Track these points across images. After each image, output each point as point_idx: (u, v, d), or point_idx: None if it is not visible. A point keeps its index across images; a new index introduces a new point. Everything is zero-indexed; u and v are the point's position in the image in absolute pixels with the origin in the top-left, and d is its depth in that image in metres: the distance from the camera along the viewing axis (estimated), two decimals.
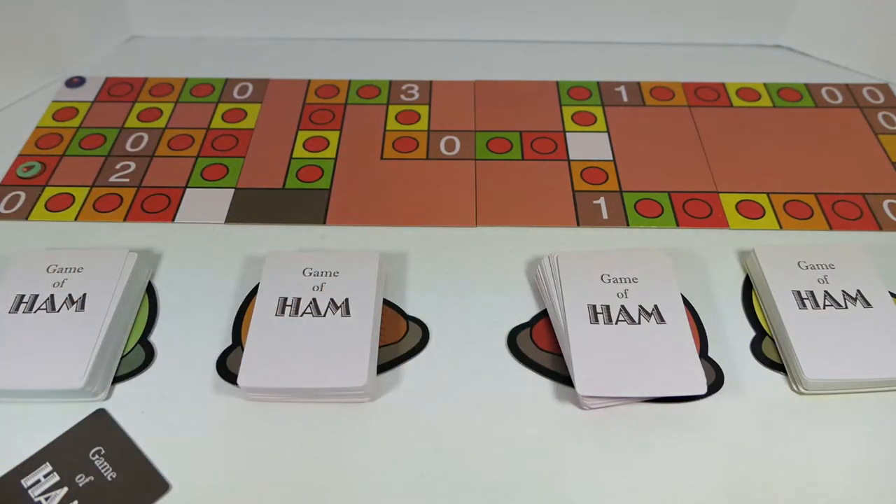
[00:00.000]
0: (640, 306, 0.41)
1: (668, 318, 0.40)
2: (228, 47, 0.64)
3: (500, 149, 0.54)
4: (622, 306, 0.40)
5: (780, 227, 0.48)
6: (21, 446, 0.37)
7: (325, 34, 0.65)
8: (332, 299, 0.41)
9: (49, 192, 0.51)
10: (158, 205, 0.50)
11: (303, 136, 0.55)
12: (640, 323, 0.40)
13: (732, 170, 0.52)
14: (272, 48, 0.64)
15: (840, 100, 0.58)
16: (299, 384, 0.38)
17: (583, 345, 0.39)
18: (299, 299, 0.41)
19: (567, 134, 0.55)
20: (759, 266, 0.43)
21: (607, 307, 0.40)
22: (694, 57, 0.63)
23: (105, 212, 0.49)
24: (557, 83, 0.60)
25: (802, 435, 0.38)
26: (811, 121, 0.56)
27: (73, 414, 0.38)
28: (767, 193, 0.50)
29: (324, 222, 0.49)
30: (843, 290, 0.42)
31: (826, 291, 0.42)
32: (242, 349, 0.40)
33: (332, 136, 0.55)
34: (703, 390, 0.37)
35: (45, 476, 0.36)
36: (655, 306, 0.41)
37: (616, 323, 0.40)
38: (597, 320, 0.40)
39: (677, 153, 0.54)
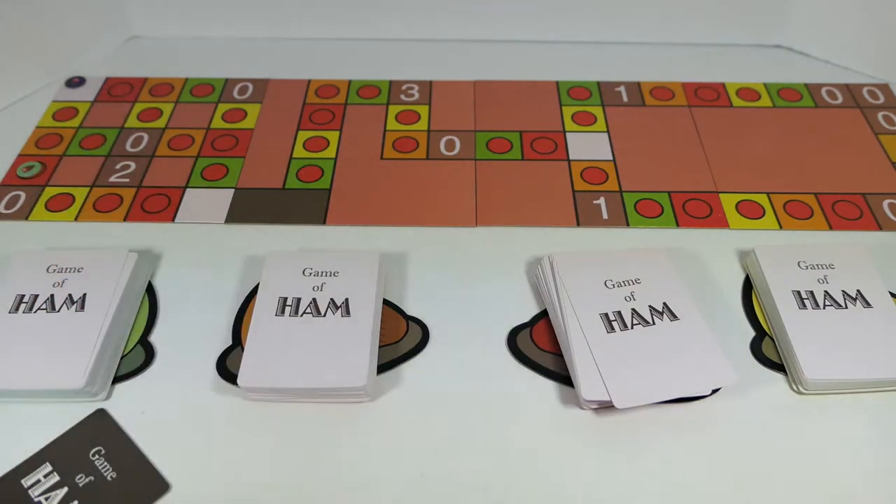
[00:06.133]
0: (651, 306, 0.41)
1: (680, 313, 0.40)
2: (228, 47, 0.64)
3: (500, 149, 0.54)
4: (633, 309, 0.40)
5: (780, 227, 0.48)
6: (21, 446, 0.37)
7: (325, 34, 0.65)
8: (332, 299, 0.41)
9: (49, 192, 0.51)
10: (158, 205, 0.50)
11: (303, 136, 0.55)
12: (654, 323, 0.40)
13: (732, 170, 0.52)
14: (272, 48, 0.64)
15: (840, 100, 0.58)
16: (299, 384, 0.38)
17: (608, 357, 0.38)
18: (299, 299, 0.41)
19: (567, 134, 0.55)
20: (759, 266, 0.43)
21: (619, 313, 0.40)
22: (694, 57, 0.63)
23: (105, 212, 0.49)
24: (557, 83, 0.60)
25: (802, 435, 0.38)
26: (811, 121, 0.56)
27: (73, 414, 0.38)
28: (767, 193, 0.50)
29: (324, 222, 0.49)
30: (843, 290, 0.42)
31: (826, 291, 0.42)
32: (242, 349, 0.40)
33: (332, 136, 0.55)
34: (735, 380, 0.37)
35: (45, 476, 0.36)
36: (665, 304, 0.41)
37: (632, 327, 0.40)
38: (612, 328, 0.40)
39: (677, 153, 0.54)
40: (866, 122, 0.56)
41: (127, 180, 0.51)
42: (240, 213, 0.49)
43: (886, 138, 0.55)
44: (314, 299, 0.41)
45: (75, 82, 0.60)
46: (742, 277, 0.46)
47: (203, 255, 0.47)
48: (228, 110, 0.57)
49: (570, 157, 0.53)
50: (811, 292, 0.42)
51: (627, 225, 0.48)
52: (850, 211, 0.49)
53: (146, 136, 0.55)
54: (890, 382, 0.39)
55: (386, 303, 0.44)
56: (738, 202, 0.50)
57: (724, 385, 0.39)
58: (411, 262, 0.46)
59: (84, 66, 0.62)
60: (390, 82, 0.60)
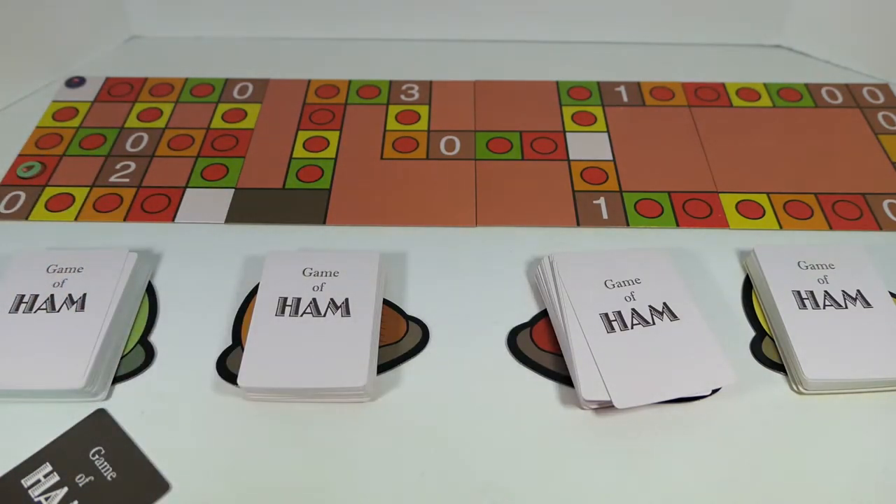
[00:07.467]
0: (651, 306, 0.41)
1: (680, 313, 0.40)
2: (228, 47, 0.64)
3: (500, 149, 0.54)
4: (633, 309, 0.40)
5: (780, 227, 0.48)
6: (21, 446, 0.37)
7: (325, 34, 0.65)
8: (332, 299, 0.41)
9: (49, 192, 0.51)
10: (158, 205, 0.50)
11: (303, 136, 0.55)
12: (654, 323, 0.40)
13: (732, 170, 0.52)
14: (272, 48, 0.64)
15: (840, 100, 0.58)
16: (299, 384, 0.38)
17: (608, 357, 0.38)
18: (299, 299, 0.41)
19: (567, 134, 0.55)
20: (759, 266, 0.43)
21: (619, 313, 0.40)
22: (694, 57, 0.63)
23: (105, 212, 0.49)
24: (557, 83, 0.60)
25: (802, 435, 0.38)
26: (811, 121, 0.56)
27: (73, 414, 0.38)
28: (767, 193, 0.50)
29: (324, 222, 0.49)
30: (843, 290, 0.42)
31: (826, 291, 0.42)
32: (242, 349, 0.40)
33: (332, 136, 0.55)
34: (734, 380, 0.37)
35: (45, 476, 0.36)
36: (665, 304, 0.41)
37: (632, 327, 0.40)
38: (613, 328, 0.40)
39: (677, 153, 0.54)
40: (866, 122, 0.56)
41: (127, 180, 0.51)
42: (240, 213, 0.49)
43: (886, 138, 0.55)
44: (314, 299, 0.41)
45: (75, 82, 0.60)
46: (742, 277, 0.46)
47: (203, 255, 0.47)
48: (228, 110, 0.57)
49: (570, 157, 0.53)
50: (811, 292, 0.42)
51: (627, 225, 0.48)
52: (850, 211, 0.49)
53: (146, 136, 0.55)
54: (890, 382, 0.39)
55: (386, 303, 0.44)
56: (738, 202, 0.50)
57: (723, 385, 0.39)
58: (411, 262, 0.46)
59: (84, 66, 0.62)
60: (390, 82, 0.60)
